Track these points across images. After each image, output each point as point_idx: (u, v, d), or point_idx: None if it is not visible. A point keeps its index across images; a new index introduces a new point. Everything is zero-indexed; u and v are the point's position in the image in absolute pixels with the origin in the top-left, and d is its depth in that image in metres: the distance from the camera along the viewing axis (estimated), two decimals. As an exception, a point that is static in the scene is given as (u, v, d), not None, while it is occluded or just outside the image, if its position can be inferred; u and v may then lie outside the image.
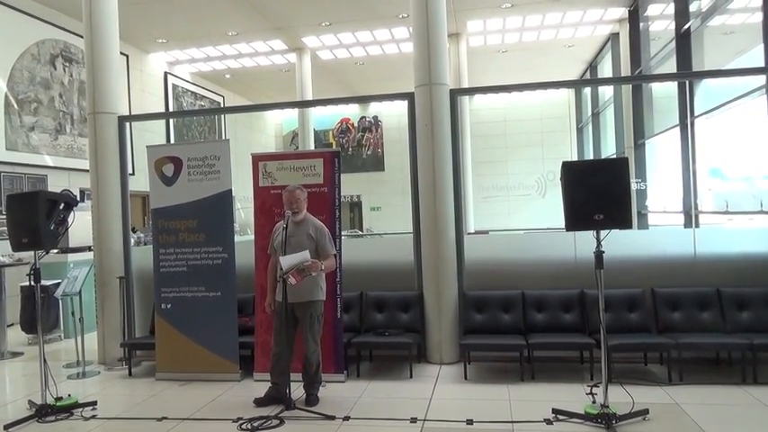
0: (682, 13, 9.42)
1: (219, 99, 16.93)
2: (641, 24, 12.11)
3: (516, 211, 17.38)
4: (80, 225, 6.47)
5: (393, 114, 18.71)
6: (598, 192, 3.79)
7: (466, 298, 5.50)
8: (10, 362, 6.47)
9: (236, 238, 5.63)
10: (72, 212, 4.66)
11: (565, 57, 15.18)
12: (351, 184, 18.51)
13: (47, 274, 6.74)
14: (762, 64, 6.83)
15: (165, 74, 14.42)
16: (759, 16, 7.13)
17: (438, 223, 5.54)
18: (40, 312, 4.71)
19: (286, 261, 4.21)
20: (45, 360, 4.43)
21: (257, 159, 5.50)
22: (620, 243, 4.92)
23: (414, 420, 4.05)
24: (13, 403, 4.93)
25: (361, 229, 18.13)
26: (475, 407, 4.32)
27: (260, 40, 13.33)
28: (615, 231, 3.92)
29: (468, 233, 11.03)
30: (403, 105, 5.84)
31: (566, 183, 3.94)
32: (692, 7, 9.33)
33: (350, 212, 19.26)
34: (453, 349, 5.47)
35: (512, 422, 3.94)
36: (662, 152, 11.37)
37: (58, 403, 4.40)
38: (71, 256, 7.63)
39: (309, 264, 4.25)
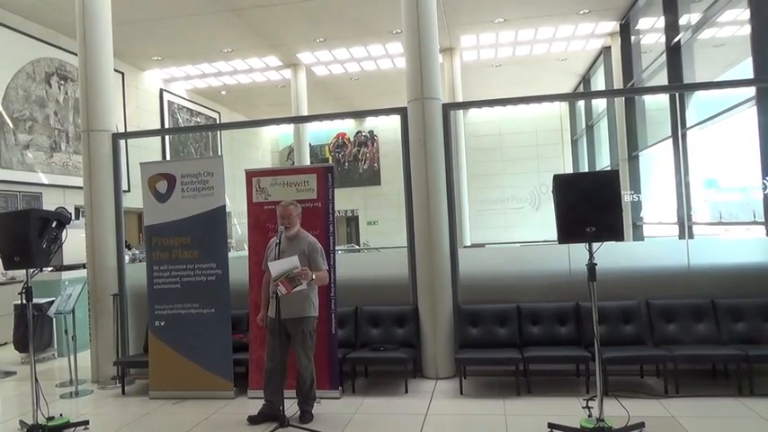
0: (672, 27, 9.53)
1: (215, 115, 17.00)
2: (633, 38, 12.23)
3: (513, 224, 17.41)
4: (75, 242, 6.46)
5: (389, 129, 18.79)
6: (589, 204, 3.79)
7: (461, 312, 5.48)
8: (2, 381, 6.41)
9: (232, 254, 5.61)
10: (65, 230, 4.65)
11: (558, 70, 15.32)
12: (347, 199, 18.55)
13: (42, 292, 6.73)
14: (751, 76, 6.90)
15: (161, 91, 14.50)
16: (748, 29, 7.21)
17: (432, 237, 5.54)
18: (31, 331, 4.66)
19: (275, 267, 4.16)
20: (36, 379, 4.37)
21: (251, 175, 5.51)
22: (614, 255, 4.94)
23: (409, 436, 4.01)
24: (4, 423, 4.87)
25: (359, 244, 18.10)
26: (470, 422, 4.29)
27: (255, 57, 13.44)
28: (609, 243, 3.92)
29: (465, 246, 11.04)
30: (398, 120, 5.86)
31: (557, 195, 3.95)
32: (683, 21, 9.44)
33: (347, 227, 19.26)
34: (449, 364, 5.44)
35: (507, 437, 3.91)
36: (656, 164, 11.42)
37: (50, 423, 4.34)
38: (66, 274, 7.59)
39: (299, 271, 4.18)
